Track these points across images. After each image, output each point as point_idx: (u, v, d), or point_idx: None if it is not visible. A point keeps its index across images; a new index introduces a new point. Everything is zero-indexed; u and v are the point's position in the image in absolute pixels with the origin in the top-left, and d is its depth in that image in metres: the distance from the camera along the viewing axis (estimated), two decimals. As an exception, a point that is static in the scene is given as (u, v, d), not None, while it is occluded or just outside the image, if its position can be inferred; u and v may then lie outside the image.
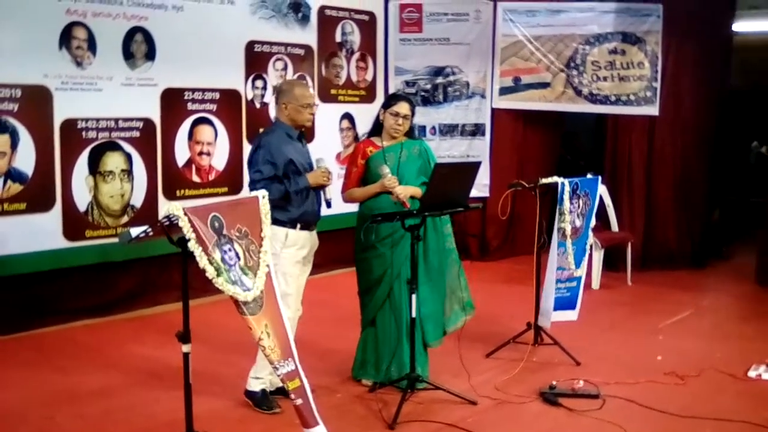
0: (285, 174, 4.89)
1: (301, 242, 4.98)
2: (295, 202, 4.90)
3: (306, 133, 5.25)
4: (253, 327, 3.74)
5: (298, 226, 4.94)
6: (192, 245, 3.52)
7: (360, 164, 5.38)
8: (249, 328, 3.75)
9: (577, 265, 6.11)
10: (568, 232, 5.96)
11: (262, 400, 4.96)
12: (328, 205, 5.09)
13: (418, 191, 5.26)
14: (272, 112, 6.08)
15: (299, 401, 3.93)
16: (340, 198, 5.52)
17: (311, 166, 5.08)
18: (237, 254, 3.74)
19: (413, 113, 5.40)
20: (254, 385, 5.00)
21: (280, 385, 5.02)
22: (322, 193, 5.06)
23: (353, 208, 5.57)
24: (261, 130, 6.54)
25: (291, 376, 3.91)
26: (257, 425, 4.80)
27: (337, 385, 5.44)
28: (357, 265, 5.48)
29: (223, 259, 3.63)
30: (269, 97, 7.96)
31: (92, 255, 6.84)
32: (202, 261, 3.54)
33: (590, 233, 6.30)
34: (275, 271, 4.13)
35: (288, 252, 4.90)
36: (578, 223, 6.10)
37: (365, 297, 5.46)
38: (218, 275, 3.58)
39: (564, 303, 6.12)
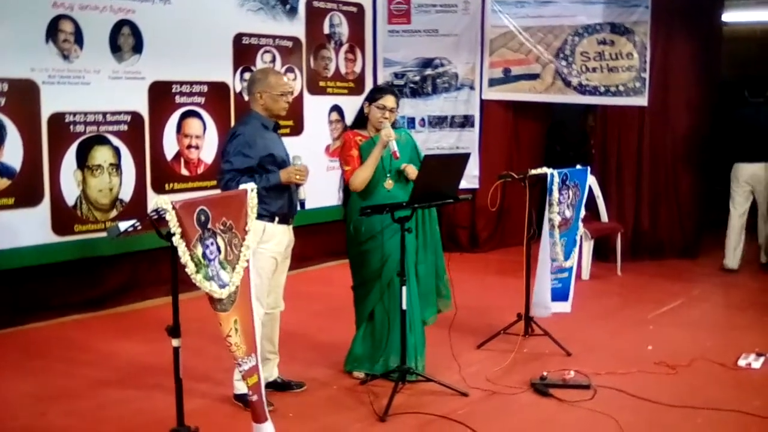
0: (261, 165, 4.78)
1: (278, 237, 4.88)
2: (272, 195, 4.79)
3: (280, 126, 5.15)
4: (222, 323, 3.73)
5: (276, 219, 4.85)
6: (176, 240, 3.50)
7: (357, 149, 5.30)
8: (219, 324, 3.74)
9: (567, 256, 6.12)
10: (556, 222, 5.96)
11: None
12: (302, 205, 4.98)
13: (416, 171, 5.24)
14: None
15: (255, 397, 3.94)
16: (338, 192, 5.44)
17: (288, 157, 4.98)
18: (218, 248, 3.71)
19: (398, 105, 5.37)
20: (241, 388, 4.87)
21: (271, 379, 5.04)
22: (295, 192, 4.94)
23: (339, 200, 5.52)
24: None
25: (251, 373, 3.90)
26: (248, 420, 4.76)
27: (329, 378, 5.44)
28: (352, 260, 5.46)
29: (204, 254, 3.60)
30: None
31: (81, 250, 6.81)
32: (184, 257, 3.52)
33: (580, 224, 6.31)
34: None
35: (265, 247, 4.77)
36: (568, 214, 6.10)
37: (361, 290, 5.43)
38: (197, 272, 3.56)
39: (557, 295, 6.12)
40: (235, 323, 3.78)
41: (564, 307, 6.21)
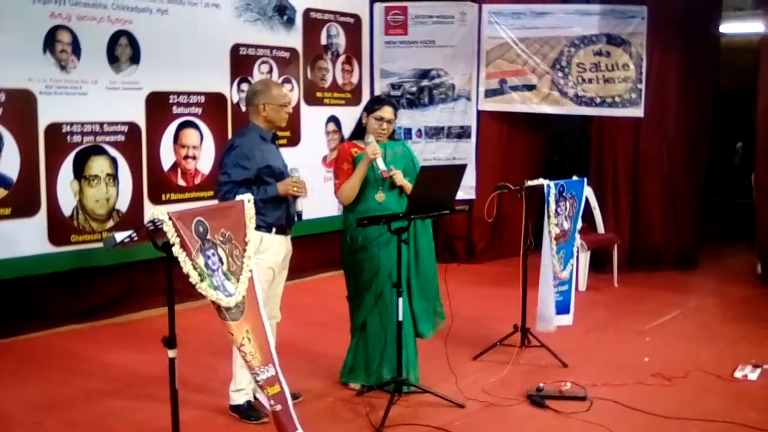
0: (258, 177, 4.79)
1: (275, 247, 4.88)
2: (270, 206, 4.80)
3: (278, 136, 5.16)
4: (234, 333, 3.72)
5: (274, 230, 4.85)
6: (176, 250, 3.49)
7: (349, 162, 5.31)
8: (230, 334, 3.73)
9: (563, 268, 6.11)
10: (554, 234, 5.95)
11: (249, 412, 4.88)
12: (299, 217, 4.99)
13: (408, 185, 5.25)
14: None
15: (278, 407, 3.91)
16: (336, 200, 5.40)
17: (286, 168, 4.99)
18: (220, 259, 3.72)
19: (396, 116, 5.39)
20: (237, 399, 4.91)
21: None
22: (292, 204, 4.93)
23: (339, 210, 5.53)
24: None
25: (271, 382, 3.89)
26: (244, 431, 4.78)
27: (325, 389, 5.43)
28: (346, 269, 5.45)
29: (206, 264, 3.61)
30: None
31: (78, 260, 6.81)
32: (186, 266, 3.51)
33: (577, 236, 6.31)
34: None
35: (262, 257, 4.74)
36: (566, 225, 6.10)
37: (355, 300, 5.43)
38: (201, 280, 3.56)
39: (559, 308, 6.10)
40: (248, 333, 3.78)
41: (566, 320, 6.20)
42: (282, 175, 4.91)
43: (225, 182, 4.76)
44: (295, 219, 5.01)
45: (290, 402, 3.97)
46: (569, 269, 6.16)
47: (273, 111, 4.93)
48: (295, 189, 4.82)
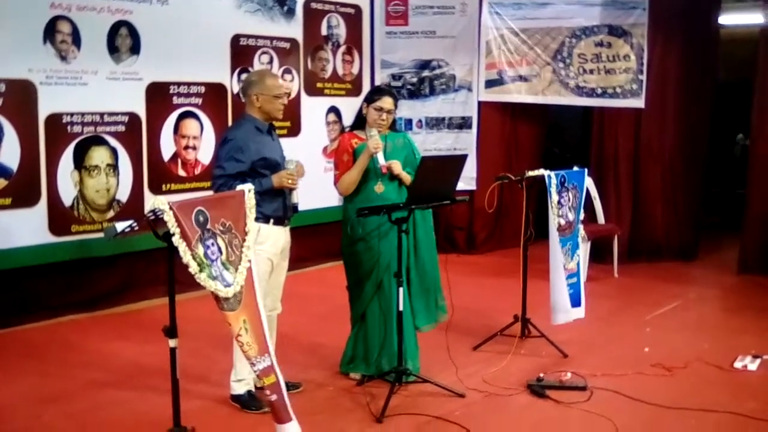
0: (253, 169, 4.75)
1: (273, 238, 4.87)
2: (266, 198, 4.76)
3: (275, 127, 5.12)
4: (231, 323, 3.72)
5: (271, 221, 4.84)
6: (176, 240, 3.49)
7: (350, 153, 5.29)
8: (228, 324, 3.73)
9: (571, 258, 6.08)
10: (558, 225, 5.93)
11: (250, 401, 4.89)
12: (295, 209, 4.96)
13: (406, 176, 5.26)
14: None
15: (274, 397, 3.92)
16: (336, 191, 5.39)
17: (284, 159, 4.96)
18: (219, 249, 3.71)
19: (396, 107, 5.37)
20: (238, 389, 4.91)
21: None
22: (288, 196, 4.91)
23: (340, 201, 5.53)
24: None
25: (267, 372, 3.90)
26: (245, 420, 4.78)
27: (326, 379, 5.44)
28: (345, 260, 5.45)
29: (205, 254, 3.60)
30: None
31: (78, 250, 6.81)
32: (186, 256, 3.51)
33: (580, 226, 6.30)
34: None
35: (260, 248, 4.71)
36: (571, 216, 6.09)
37: (355, 290, 5.44)
38: (201, 271, 3.56)
39: (571, 301, 6.07)
40: (245, 323, 3.78)
41: (579, 313, 6.18)
42: (279, 166, 4.89)
43: (219, 176, 4.74)
44: (293, 211, 5.00)
45: (285, 391, 3.99)
46: (576, 260, 6.15)
47: (266, 102, 4.89)
48: (289, 181, 4.80)
